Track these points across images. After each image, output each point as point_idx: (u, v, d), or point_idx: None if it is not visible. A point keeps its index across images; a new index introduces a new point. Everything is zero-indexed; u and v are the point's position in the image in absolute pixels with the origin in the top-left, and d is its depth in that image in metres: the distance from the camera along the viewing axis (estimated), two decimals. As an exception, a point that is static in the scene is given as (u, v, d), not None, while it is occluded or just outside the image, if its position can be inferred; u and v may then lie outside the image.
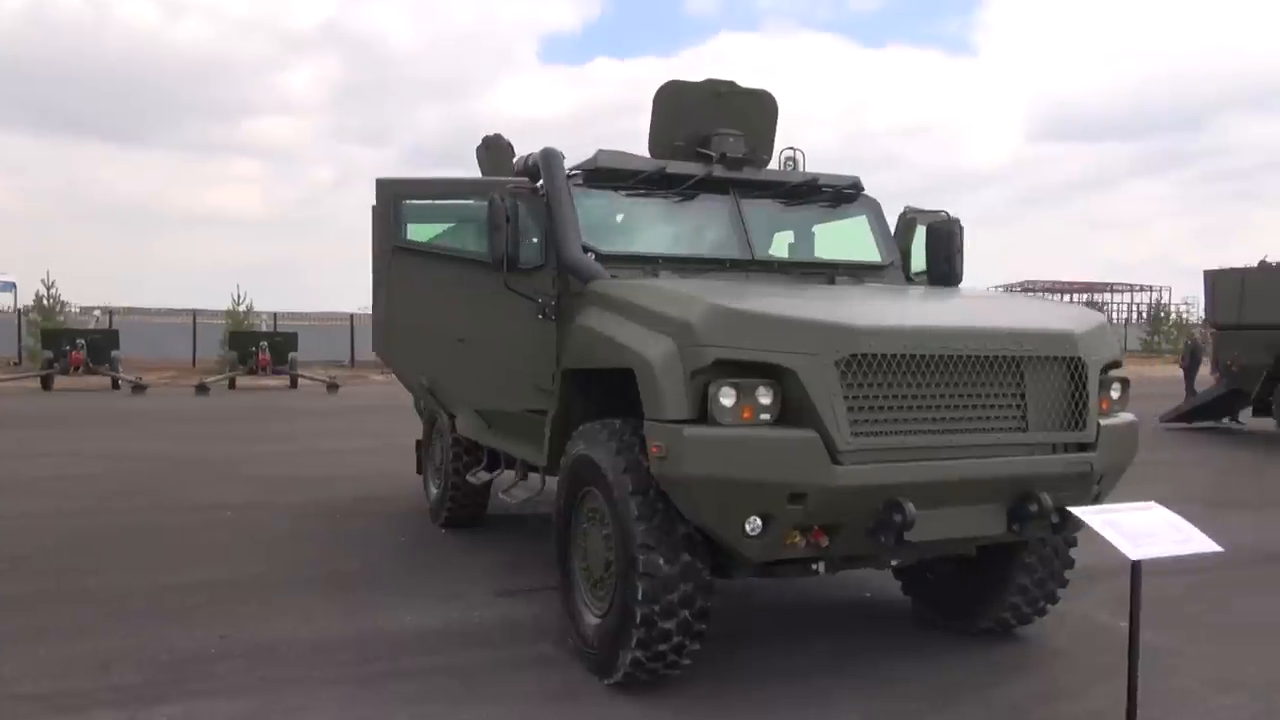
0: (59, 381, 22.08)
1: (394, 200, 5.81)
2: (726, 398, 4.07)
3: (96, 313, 32.37)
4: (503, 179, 5.75)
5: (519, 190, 5.65)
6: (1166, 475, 11.06)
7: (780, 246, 6.32)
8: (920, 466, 4.21)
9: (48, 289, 30.58)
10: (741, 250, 5.91)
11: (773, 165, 6.79)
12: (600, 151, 5.96)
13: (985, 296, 5.99)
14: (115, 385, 22.23)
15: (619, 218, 5.98)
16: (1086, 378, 4.58)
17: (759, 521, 4.13)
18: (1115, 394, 4.92)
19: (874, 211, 6.56)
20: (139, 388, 21.49)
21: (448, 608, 5.99)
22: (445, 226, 6.04)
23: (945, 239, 6.47)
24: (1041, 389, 4.51)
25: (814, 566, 4.79)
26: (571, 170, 5.89)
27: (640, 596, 4.40)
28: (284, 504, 9.13)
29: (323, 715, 4.39)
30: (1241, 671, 5.11)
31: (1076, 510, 3.96)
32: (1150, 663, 5.08)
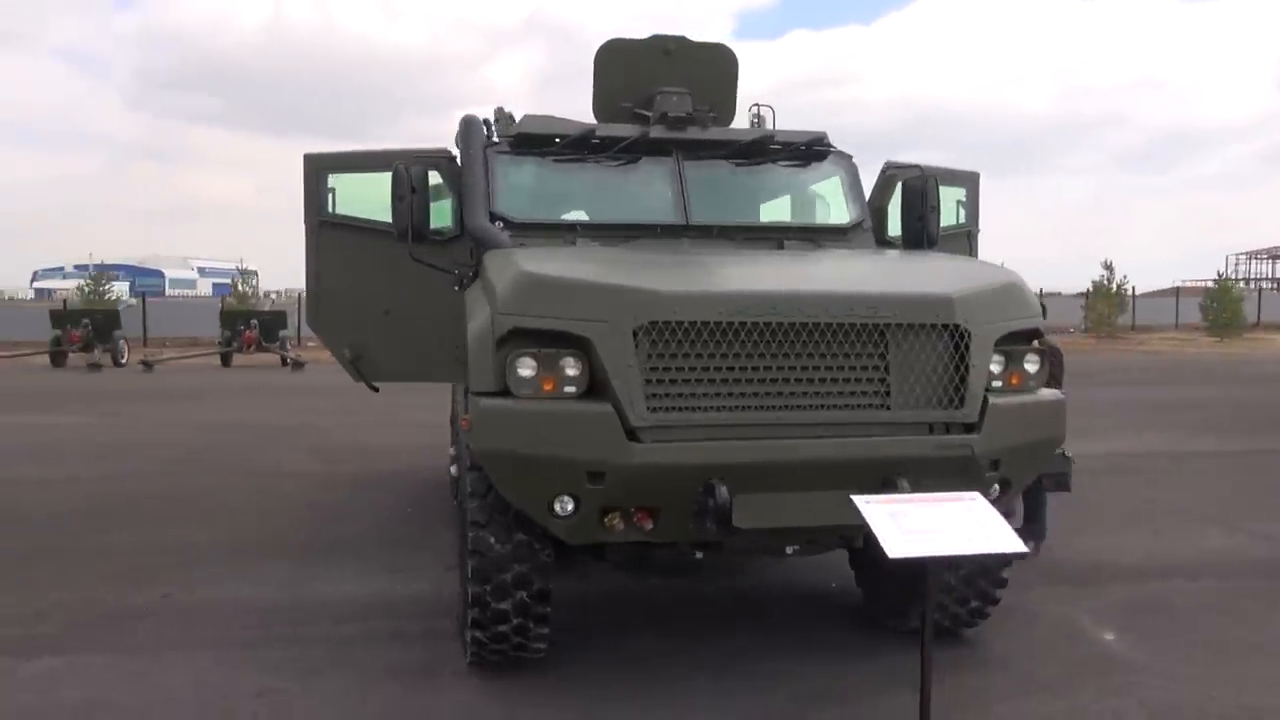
0: (236, 359, 24.07)
1: (319, 175, 5.86)
2: (525, 369, 3.81)
3: (273, 295, 34.84)
4: (417, 149, 5.67)
5: (433, 159, 5.55)
6: None
7: (733, 210, 5.86)
8: (738, 446, 3.78)
9: (243, 275, 33.43)
10: (677, 215, 5.53)
11: (741, 124, 6.38)
12: (525, 117, 5.76)
13: (884, 257, 5.25)
14: (284, 363, 23.96)
15: (546, 185, 5.74)
16: (969, 349, 3.96)
17: (570, 501, 3.85)
18: (1031, 367, 4.23)
19: (846, 170, 5.98)
20: (298, 365, 23.06)
21: (392, 579, 6.05)
22: (373, 200, 6.04)
23: (918, 196, 5.81)
24: (910, 361, 3.95)
25: (695, 554, 4.45)
26: (500, 137, 5.73)
27: (470, 575, 4.25)
28: (325, 472, 9.53)
29: (175, 677, 4.52)
30: (1202, 696, 4.32)
31: (856, 498, 3.42)
32: (1104, 677, 4.50)
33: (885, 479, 3.86)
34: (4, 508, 7.99)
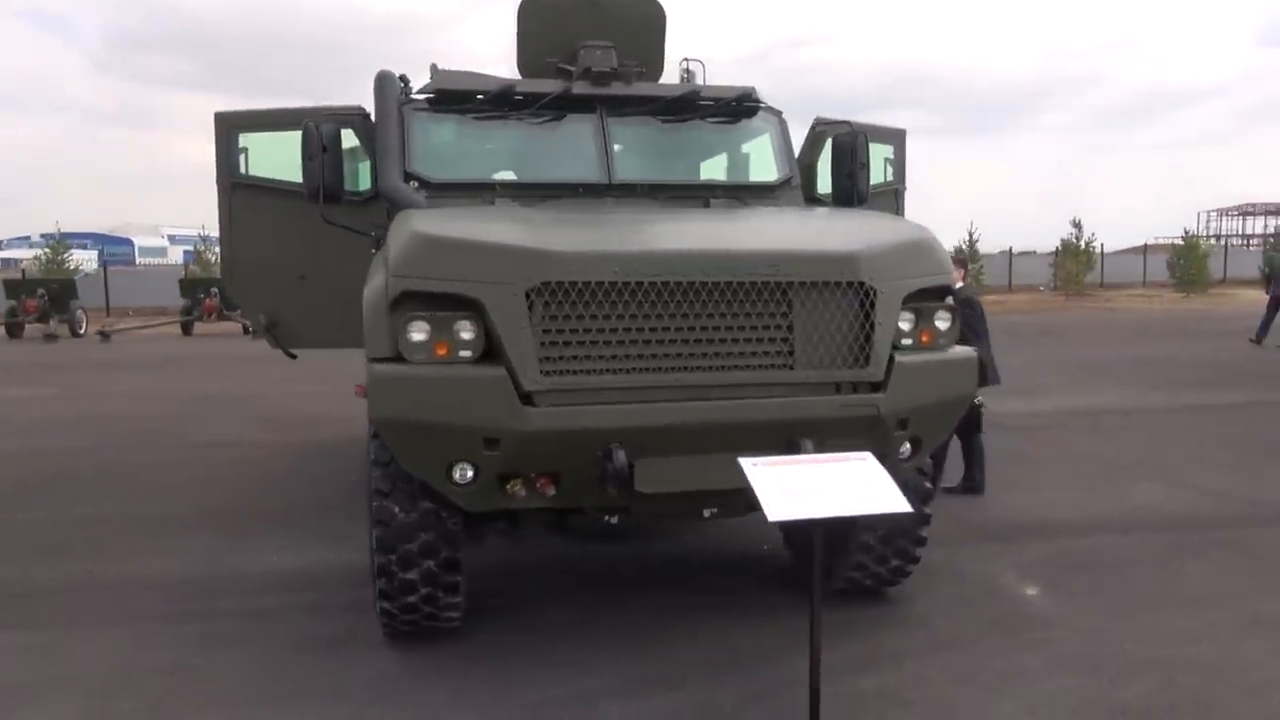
0: (198, 328, 23.75)
1: (230, 134, 5.68)
2: (417, 333, 3.70)
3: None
4: (330, 106, 5.51)
5: (348, 117, 5.40)
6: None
7: (659, 168, 5.73)
8: (636, 410, 3.70)
9: (205, 242, 32.88)
10: (600, 173, 5.40)
11: (671, 80, 6.24)
12: (441, 71, 5.59)
13: (798, 214, 5.13)
14: (245, 330, 23.64)
15: (465, 143, 5.60)
16: (874, 306, 3.89)
17: (469, 469, 3.77)
18: (942, 324, 4.17)
19: (776, 127, 5.87)
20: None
21: (323, 551, 5.96)
22: (287, 160, 5.87)
23: (847, 153, 5.73)
24: (815, 320, 3.87)
25: (608, 519, 4.39)
26: (417, 93, 5.55)
27: (375, 545, 4.17)
28: (277, 442, 9.41)
29: (84, 652, 4.44)
30: (1112, 649, 4.33)
31: (743, 461, 3.36)
32: (1016, 633, 4.50)
33: (790, 440, 3.80)
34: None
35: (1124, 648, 4.35)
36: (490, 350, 3.70)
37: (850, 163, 5.74)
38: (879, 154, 6.37)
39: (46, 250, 33.56)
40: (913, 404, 4.01)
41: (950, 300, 4.29)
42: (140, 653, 4.43)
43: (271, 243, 5.75)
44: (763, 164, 5.85)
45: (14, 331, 23.37)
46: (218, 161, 5.68)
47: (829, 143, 5.92)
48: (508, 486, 3.87)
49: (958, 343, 4.26)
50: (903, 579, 4.94)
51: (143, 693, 4.02)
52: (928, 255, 4.17)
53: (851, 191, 5.72)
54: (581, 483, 3.84)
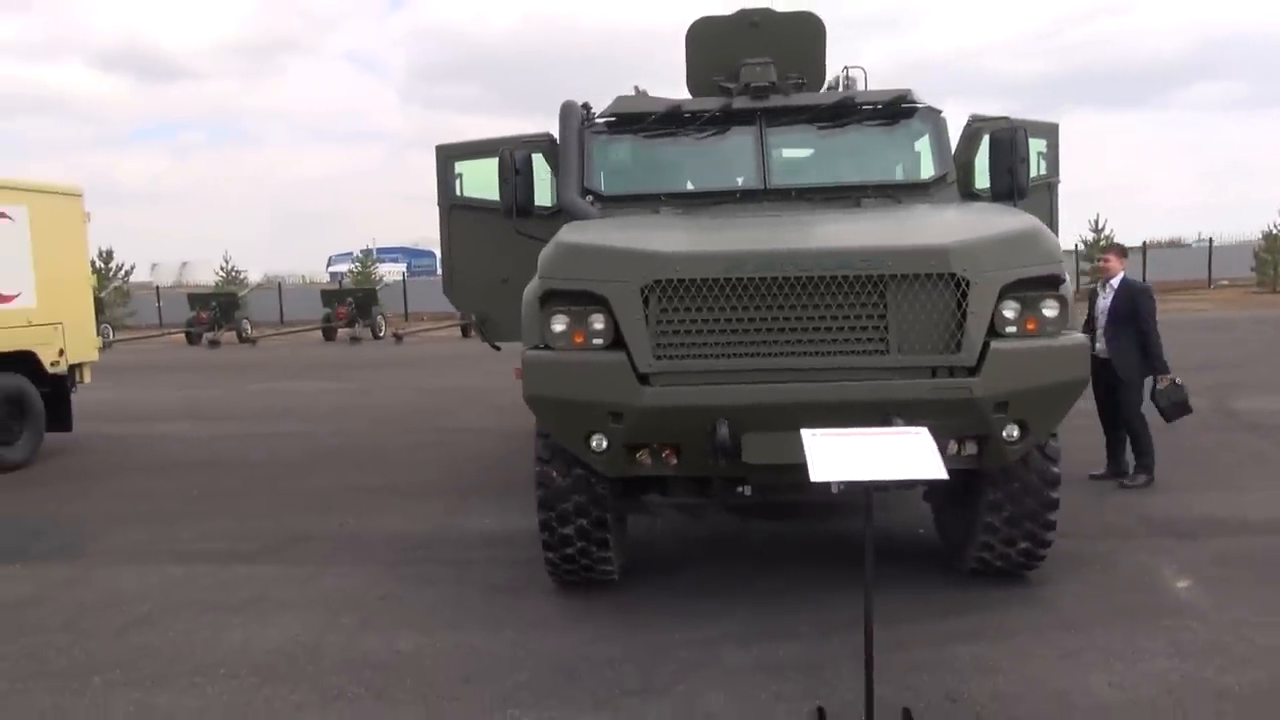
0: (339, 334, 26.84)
1: (448, 163, 6.72)
2: (558, 324, 4.44)
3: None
4: (523, 135, 6.39)
5: (537, 144, 6.27)
6: None
7: (814, 173, 6.15)
8: (738, 389, 4.20)
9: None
10: (757, 180, 5.92)
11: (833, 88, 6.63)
12: (619, 98, 6.33)
13: (912, 211, 5.24)
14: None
15: (637, 160, 6.29)
16: (966, 295, 4.14)
17: (604, 438, 4.45)
18: (1050, 312, 4.31)
19: (934, 125, 6.09)
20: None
21: (521, 517, 6.88)
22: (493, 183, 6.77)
23: (1006, 148, 5.83)
24: (910, 309, 4.18)
25: (740, 489, 4.92)
26: (598, 117, 6.32)
27: (538, 504, 4.96)
28: (504, 428, 10.65)
29: (324, 584, 5.58)
30: (1236, 639, 4.26)
31: (804, 431, 3.71)
32: (1144, 619, 4.63)
33: (883, 419, 4.14)
34: (238, 455, 9.71)
35: (1254, 641, 4.26)
36: (618, 338, 4.36)
37: (1010, 157, 5.83)
38: (1032, 148, 6.36)
39: (357, 264, 38.41)
40: (1011, 388, 4.20)
41: (1064, 289, 4.39)
42: (366, 586, 5.50)
43: (480, 252, 6.75)
44: (919, 163, 6.09)
45: (328, 335, 27.17)
46: (439, 186, 6.76)
47: (986, 139, 6.03)
48: (637, 455, 4.51)
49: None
50: (1037, 563, 5.04)
51: (360, 611, 5.07)
52: (1031, 247, 4.33)
53: (1011, 186, 5.82)
54: (698, 454, 4.40)
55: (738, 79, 6.24)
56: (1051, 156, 6.55)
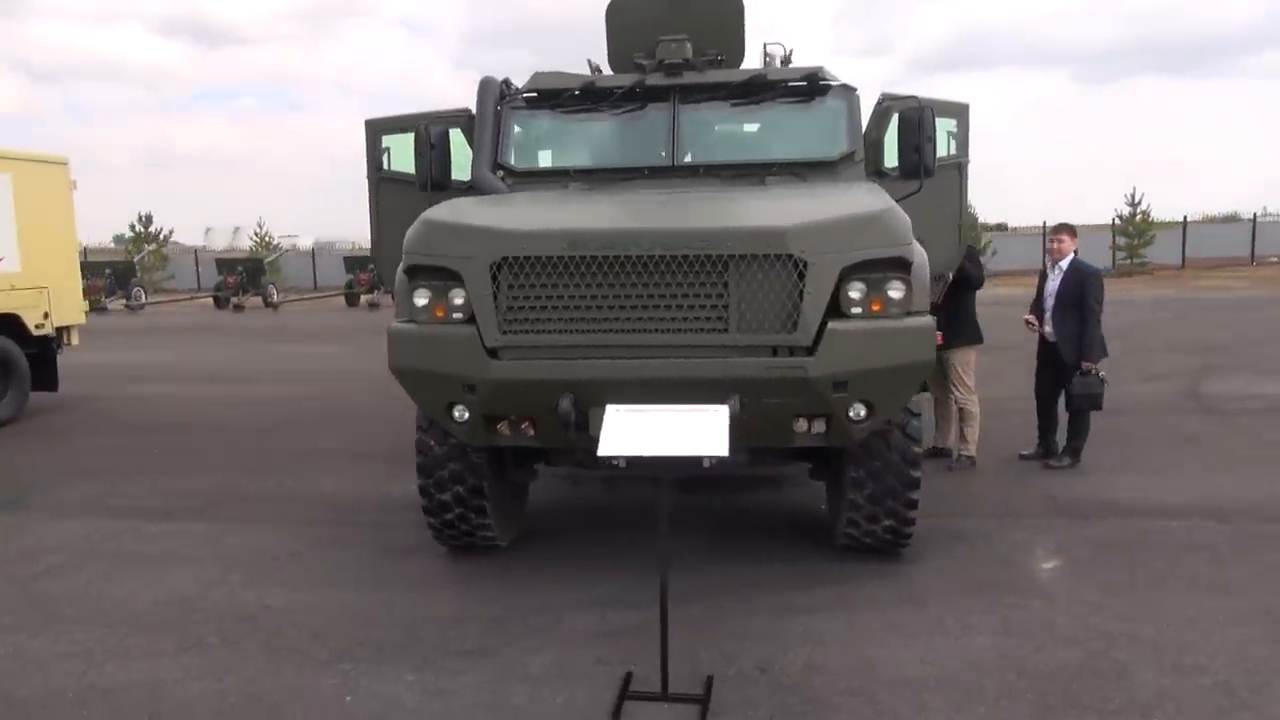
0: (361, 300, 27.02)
1: (376, 136, 6.87)
2: (420, 298, 4.60)
3: None
4: (441, 110, 6.51)
5: (455, 119, 6.39)
6: None
7: (723, 150, 6.19)
8: (580, 365, 4.33)
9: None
10: (665, 157, 6.00)
11: (751, 64, 6.65)
12: (536, 74, 6.41)
13: (783, 191, 5.30)
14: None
15: (552, 136, 6.39)
16: (803, 277, 4.21)
17: (464, 409, 4.62)
18: (896, 294, 4.35)
19: (847, 104, 6.10)
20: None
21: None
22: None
23: (913, 127, 5.81)
24: (750, 289, 4.26)
25: (614, 462, 5.06)
26: (518, 93, 6.42)
27: (417, 470, 5.16)
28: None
29: (235, 540, 5.86)
30: (1070, 620, 4.33)
31: (609, 406, 3.82)
32: (989, 597, 4.71)
33: (722, 397, 4.25)
34: (215, 417, 10.08)
35: (1089, 621, 4.32)
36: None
37: (916, 136, 5.82)
38: (942, 127, 6.34)
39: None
40: (849, 368, 4.27)
41: (915, 271, 4.42)
42: (273, 544, 5.77)
43: (405, 224, 6.88)
44: (829, 141, 6.10)
45: (350, 301, 27.72)
46: (367, 159, 6.92)
47: (895, 117, 6.03)
48: (497, 427, 4.67)
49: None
50: (905, 541, 5.12)
51: (254, 569, 5.33)
52: (877, 229, 4.36)
53: (918, 165, 5.82)
54: (552, 427, 4.55)
55: (653, 55, 6.29)
56: (961, 136, 6.51)
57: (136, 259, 33.11)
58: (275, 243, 39.98)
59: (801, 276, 4.23)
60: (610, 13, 6.61)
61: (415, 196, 6.71)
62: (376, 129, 6.88)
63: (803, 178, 5.81)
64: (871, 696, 3.71)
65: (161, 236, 38.32)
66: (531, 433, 4.67)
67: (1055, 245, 7.18)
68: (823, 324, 4.25)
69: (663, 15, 6.44)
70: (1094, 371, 6.82)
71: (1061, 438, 7.23)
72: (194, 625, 4.54)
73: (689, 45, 6.22)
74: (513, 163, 6.11)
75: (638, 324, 4.35)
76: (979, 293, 7.29)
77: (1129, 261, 34.32)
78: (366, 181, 6.99)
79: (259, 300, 28.31)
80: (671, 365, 4.30)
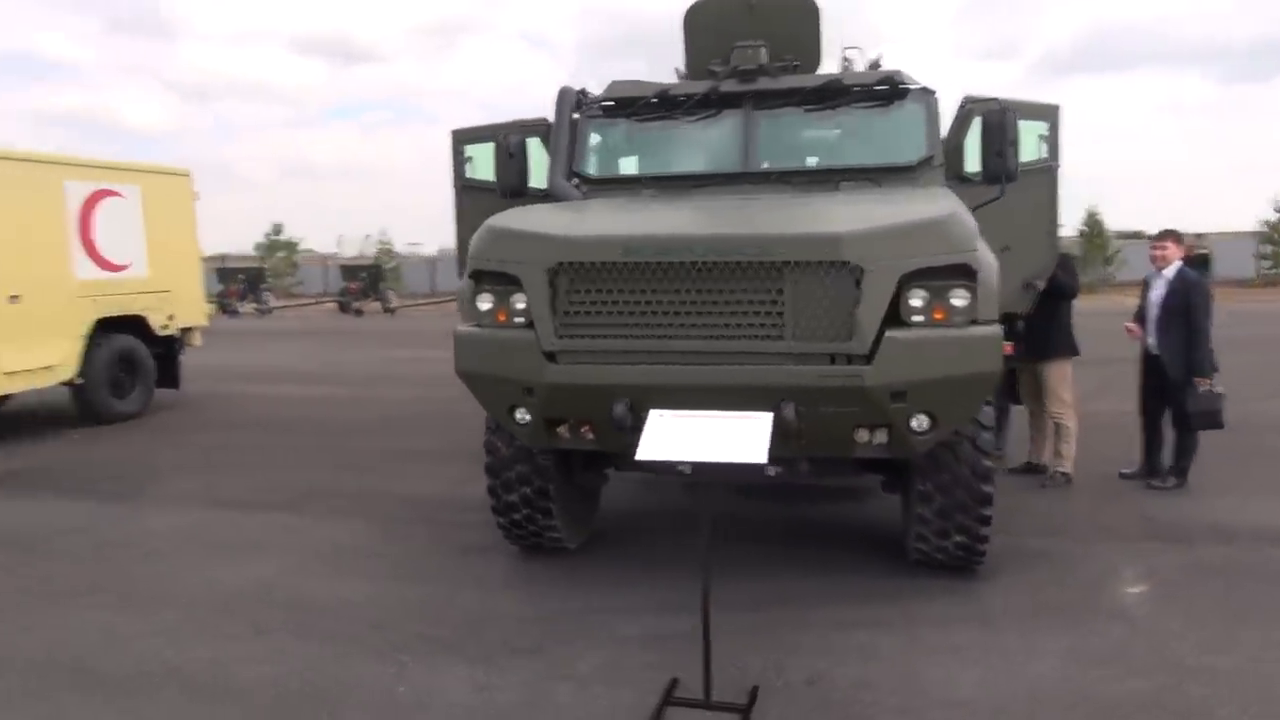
0: None
1: (459, 146, 7.04)
2: (483, 303, 4.70)
3: None
4: (522, 120, 6.64)
5: (534, 129, 6.52)
6: None
7: (798, 155, 6.11)
8: (636, 369, 4.34)
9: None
10: (739, 163, 5.97)
11: (829, 69, 6.55)
12: (612, 83, 6.48)
13: (857, 196, 5.15)
14: None
15: (627, 143, 6.43)
16: (860, 284, 4.12)
17: (525, 412, 4.70)
18: (960, 302, 4.21)
19: (926, 107, 5.95)
20: None
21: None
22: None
23: (996, 130, 5.62)
24: (805, 295, 4.19)
25: (679, 468, 5.06)
26: (598, 101, 6.50)
27: (485, 471, 5.28)
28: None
29: (318, 533, 6.11)
30: (1145, 649, 4.09)
31: (653, 410, 3.79)
32: (1063, 621, 4.53)
33: (776, 404, 4.20)
34: (318, 416, 10.53)
35: (1167, 651, 4.07)
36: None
37: (999, 140, 5.63)
38: (1032, 131, 6.12)
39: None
40: (907, 378, 4.15)
41: (981, 279, 4.26)
42: (353, 538, 5.99)
43: None
44: (906, 146, 5.95)
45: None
46: (453, 167, 7.12)
47: (977, 121, 5.84)
48: (557, 430, 4.73)
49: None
50: (978, 558, 4.93)
51: (333, 561, 5.54)
52: (938, 235, 4.23)
53: (1000, 169, 5.63)
54: (610, 431, 4.57)
55: (728, 62, 6.27)
56: (1053, 140, 6.23)
57: (267, 265, 34.90)
58: (397, 250, 41.46)
59: (858, 283, 4.14)
60: (687, 20, 6.63)
61: (496, 203, 6.90)
62: (461, 139, 7.07)
63: (878, 183, 5.68)
64: (919, 716, 3.60)
65: (289, 244, 40.28)
66: (591, 436, 4.71)
67: (1159, 253, 6.79)
68: (881, 332, 4.16)
69: (739, 22, 6.42)
70: (1209, 387, 6.41)
71: (1168, 456, 6.84)
72: (268, 611, 4.75)
73: (764, 51, 6.18)
74: (588, 170, 6.19)
75: (693, 330, 4.33)
76: (1075, 302, 6.98)
77: (1274, 270, 32.19)
78: (452, 189, 7.21)
79: (378, 305, 29.40)
80: (725, 372, 4.27)
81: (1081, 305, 7.49)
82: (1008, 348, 4.58)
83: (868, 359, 4.16)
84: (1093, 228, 33.83)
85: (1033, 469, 7.19)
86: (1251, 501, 6.29)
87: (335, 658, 4.21)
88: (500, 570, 5.36)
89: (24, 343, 9.08)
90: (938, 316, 4.24)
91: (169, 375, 11.06)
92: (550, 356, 4.46)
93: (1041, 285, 6.44)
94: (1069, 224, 35.30)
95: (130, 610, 4.82)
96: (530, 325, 4.56)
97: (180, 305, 10.97)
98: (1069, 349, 6.97)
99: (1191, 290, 6.58)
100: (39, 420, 10.43)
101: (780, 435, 4.24)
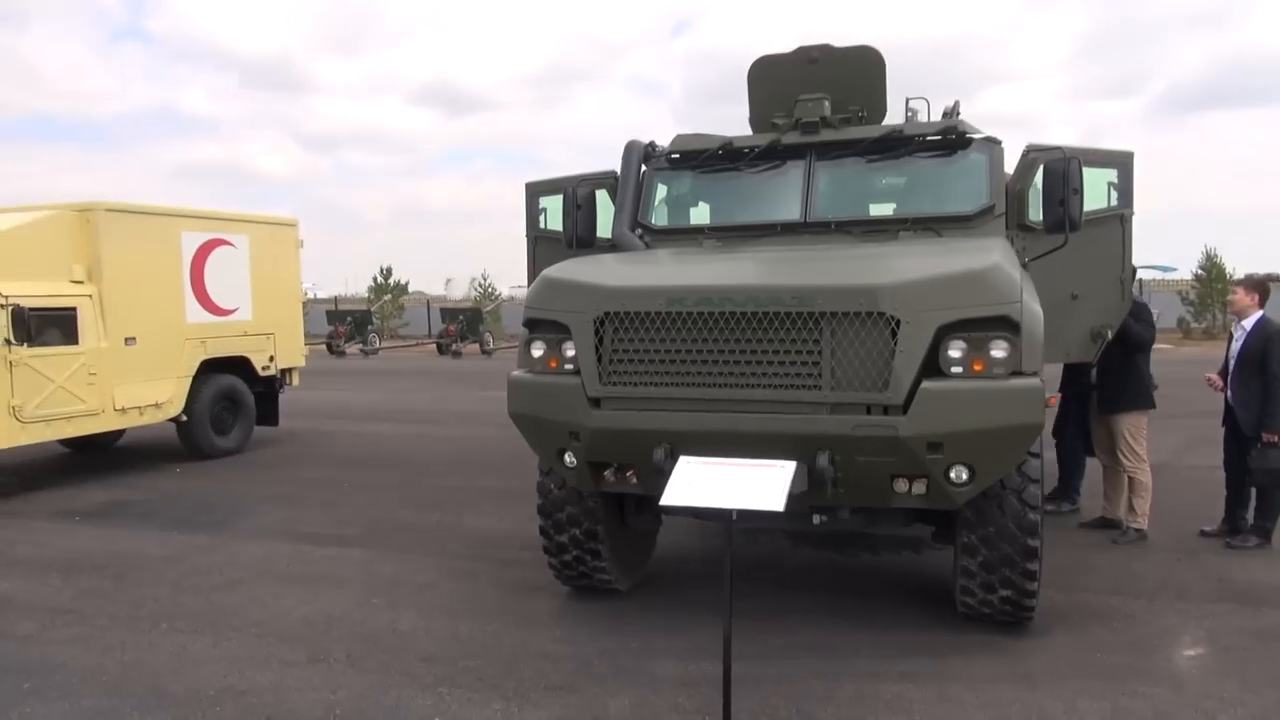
0: None
1: (534, 198, 7.32)
2: (536, 349, 4.92)
3: None
4: (590, 173, 6.87)
5: (601, 181, 6.76)
6: None
7: (858, 206, 6.16)
8: (676, 416, 4.46)
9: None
10: (797, 214, 6.07)
11: (893, 120, 6.61)
12: (678, 136, 6.68)
13: (904, 248, 5.11)
14: None
15: (692, 194, 6.61)
16: (896, 335, 4.17)
17: (571, 456, 4.87)
18: (999, 354, 4.21)
19: (989, 156, 5.96)
20: None
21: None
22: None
23: (1059, 179, 5.60)
24: (844, 346, 4.26)
25: (732, 514, 5.14)
26: (663, 154, 6.70)
27: (538, 512, 5.45)
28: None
29: (385, 567, 6.38)
30: (1190, 711, 3.94)
31: (683, 457, 3.87)
32: (1105, 682, 4.42)
33: (812, 454, 4.26)
34: (404, 454, 10.92)
35: (1214, 717, 3.92)
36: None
37: (1062, 189, 5.60)
38: (1102, 178, 6.05)
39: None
40: (944, 429, 4.16)
41: (1025, 331, 4.24)
42: (415, 573, 6.23)
43: None
44: (967, 195, 5.96)
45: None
46: (527, 218, 7.41)
47: (1040, 168, 5.81)
48: (604, 473, 4.87)
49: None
50: (1026, 613, 4.84)
51: (393, 594, 5.79)
52: (978, 288, 4.24)
53: (1063, 218, 5.60)
54: (652, 475, 4.69)
55: (791, 115, 6.40)
56: (1124, 187, 6.14)
57: (374, 308, 36.27)
58: (497, 293, 42.54)
59: (894, 335, 4.19)
60: (752, 74, 6.79)
61: (567, 253, 7.16)
62: (535, 190, 7.37)
63: (938, 233, 5.71)
64: (940, 771, 3.57)
65: (397, 286, 41.77)
66: (635, 480, 4.83)
67: (1231, 301, 6.59)
68: (917, 382, 4.18)
69: (802, 75, 6.55)
70: (1275, 443, 6.14)
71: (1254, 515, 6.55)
72: (328, 641, 5.01)
73: (827, 104, 6.29)
74: (652, 221, 6.39)
75: (732, 378, 4.44)
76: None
77: None
78: (526, 239, 7.50)
79: (475, 347, 30.22)
80: (763, 420, 4.35)
81: (1193, 353, 7.26)
82: (1052, 399, 4.53)
83: (904, 409, 4.19)
84: (1210, 270, 32.36)
85: (1106, 524, 6.98)
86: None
87: (382, 688, 4.42)
88: (549, 609, 5.51)
89: (136, 382, 9.75)
90: (976, 368, 4.25)
91: (269, 413, 11.68)
92: (595, 402, 4.63)
93: (1111, 334, 6.31)
94: (1186, 268, 33.91)
95: (204, 635, 5.14)
96: (578, 372, 4.74)
97: (281, 347, 11.59)
98: (1144, 401, 6.77)
99: (1270, 340, 6.33)
100: (147, 455, 11.13)
101: (817, 484, 4.32)
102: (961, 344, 4.26)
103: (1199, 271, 32.73)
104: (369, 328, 31.97)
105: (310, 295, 48.23)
